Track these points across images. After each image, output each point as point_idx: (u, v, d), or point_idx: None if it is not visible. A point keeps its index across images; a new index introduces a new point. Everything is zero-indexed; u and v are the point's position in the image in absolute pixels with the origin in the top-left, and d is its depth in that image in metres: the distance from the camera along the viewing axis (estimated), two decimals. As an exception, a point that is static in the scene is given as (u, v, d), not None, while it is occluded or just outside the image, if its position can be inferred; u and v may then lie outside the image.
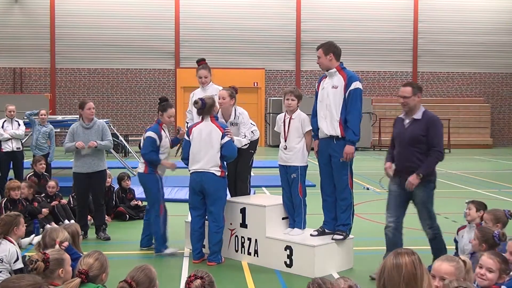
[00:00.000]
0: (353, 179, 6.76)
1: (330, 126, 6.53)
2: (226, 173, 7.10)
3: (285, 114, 6.91)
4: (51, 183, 9.41)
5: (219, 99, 7.32)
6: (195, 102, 7.12)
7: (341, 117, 6.49)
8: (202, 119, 7.10)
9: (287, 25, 28.25)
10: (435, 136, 6.15)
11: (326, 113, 6.57)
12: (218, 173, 6.96)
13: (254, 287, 6.11)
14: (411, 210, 10.84)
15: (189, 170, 7.15)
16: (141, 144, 7.59)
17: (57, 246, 4.61)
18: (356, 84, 6.48)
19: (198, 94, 7.63)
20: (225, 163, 7.06)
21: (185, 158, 7.19)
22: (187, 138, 7.19)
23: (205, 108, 7.01)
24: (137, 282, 3.56)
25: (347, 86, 6.48)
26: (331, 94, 6.53)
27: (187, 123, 7.78)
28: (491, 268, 4.10)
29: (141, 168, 7.50)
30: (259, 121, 26.67)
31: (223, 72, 22.68)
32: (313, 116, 6.77)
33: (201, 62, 7.84)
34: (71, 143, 8.28)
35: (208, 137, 6.96)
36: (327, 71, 6.63)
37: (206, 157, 6.94)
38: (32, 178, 9.97)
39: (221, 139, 6.94)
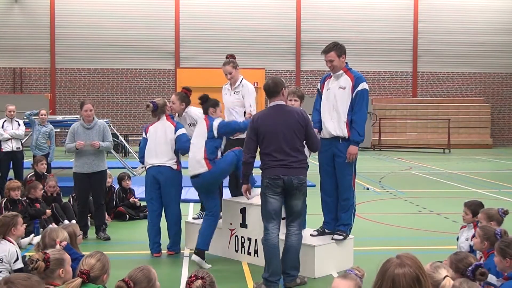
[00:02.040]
0: (356, 179, 6.76)
1: (337, 126, 6.52)
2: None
3: None
4: (51, 182, 9.39)
5: (227, 75, 7.61)
6: (147, 106, 7.51)
7: (348, 118, 6.49)
8: (159, 119, 7.50)
9: (287, 25, 28.25)
10: None
11: (333, 114, 6.55)
12: (174, 167, 7.36)
13: (253, 287, 6.10)
14: (412, 210, 10.87)
15: (145, 166, 7.56)
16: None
17: (57, 246, 4.61)
18: (363, 85, 6.50)
19: (181, 121, 7.70)
20: (179, 158, 7.45)
21: (142, 156, 7.61)
22: (144, 136, 7.60)
23: (157, 110, 7.42)
24: (135, 282, 3.55)
25: (354, 86, 6.49)
26: (338, 95, 6.52)
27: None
28: None
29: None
30: (259, 121, 26.63)
31: (223, 71, 22.61)
32: (315, 110, 6.76)
33: (183, 91, 7.74)
34: (71, 143, 8.27)
35: (163, 133, 7.36)
36: (336, 72, 6.62)
37: (162, 152, 7.34)
38: (32, 179, 9.95)
39: (175, 133, 7.31)
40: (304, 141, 6.07)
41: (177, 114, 7.77)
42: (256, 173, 6.22)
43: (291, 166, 5.82)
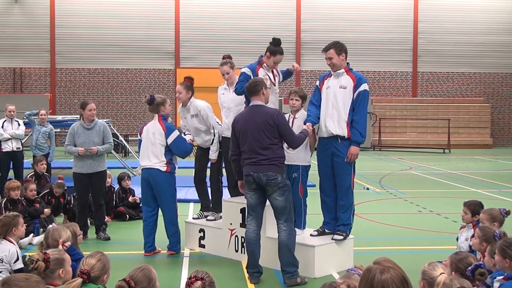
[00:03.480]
0: (354, 179, 6.76)
1: (337, 126, 6.52)
2: (175, 169, 7.45)
3: (289, 114, 6.89)
4: (57, 189, 9.37)
5: (225, 75, 7.60)
6: (145, 97, 7.47)
7: (349, 117, 6.49)
8: (152, 118, 7.45)
9: (287, 25, 28.26)
10: None
11: (333, 113, 6.55)
12: (163, 169, 7.30)
13: (254, 287, 6.11)
14: (412, 210, 10.87)
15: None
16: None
17: (60, 246, 4.61)
18: (364, 86, 6.52)
19: (183, 112, 7.75)
20: (172, 159, 7.40)
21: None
22: (139, 136, 7.63)
23: (152, 105, 7.33)
24: (135, 282, 3.55)
25: (356, 87, 6.49)
26: (339, 95, 6.52)
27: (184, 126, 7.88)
28: None
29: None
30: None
31: (220, 71, 22.57)
32: (311, 105, 6.76)
33: (186, 79, 7.76)
34: (72, 146, 8.24)
35: (153, 135, 7.30)
36: (336, 71, 6.62)
37: (152, 154, 7.30)
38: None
39: (167, 138, 7.26)
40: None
41: (181, 105, 7.71)
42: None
43: (259, 164, 6.07)
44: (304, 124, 6.63)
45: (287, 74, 7.51)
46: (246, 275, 6.46)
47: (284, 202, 6.13)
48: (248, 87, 6.29)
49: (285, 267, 6.08)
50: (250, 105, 6.30)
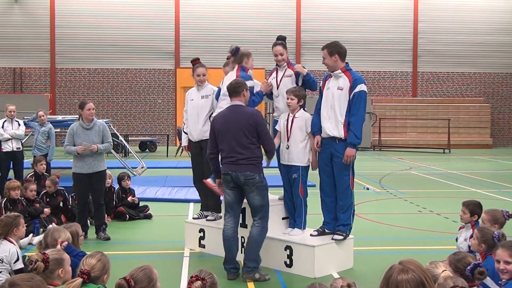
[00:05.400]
0: (354, 179, 6.76)
1: (334, 127, 6.52)
2: None
3: (289, 113, 6.86)
4: (48, 182, 9.42)
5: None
6: (230, 46, 7.20)
7: (346, 119, 6.49)
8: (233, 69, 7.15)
9: (287, 25, 28.26)
10: None
11: (330, 114, 6.55)
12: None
13: (254, 287, 6.11)
14: (412, 210, 10.87)
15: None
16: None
17: (58, 246, 4.61)
18: (361, 87, 6.47)
19: (193, 93, 7.69)
20: None
21: None
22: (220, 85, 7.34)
23: (235, 56, 7.07)
24: (135, 281, 3.54)
25: (352, 88, 6.47)
26: (336, 96, 6.52)
27: (184, 123, 7.83)
28: (508, 260, 4.11)
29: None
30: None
31: (223, 72, 22.55)
32: (316, 113, 6.77)
33: (196, 61, 7.80)
34: (72, 146, 8.22)
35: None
36: (332, 71, 6.63)
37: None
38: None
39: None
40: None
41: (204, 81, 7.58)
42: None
43: (237, 163, 6.20)
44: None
45: (297, 76, 7.05)
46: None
47: (260, 201, 6.29)
48: (230, 88, 6.42)
49: (247, 261, 6.25)
50: (230, 105, 6.40)
